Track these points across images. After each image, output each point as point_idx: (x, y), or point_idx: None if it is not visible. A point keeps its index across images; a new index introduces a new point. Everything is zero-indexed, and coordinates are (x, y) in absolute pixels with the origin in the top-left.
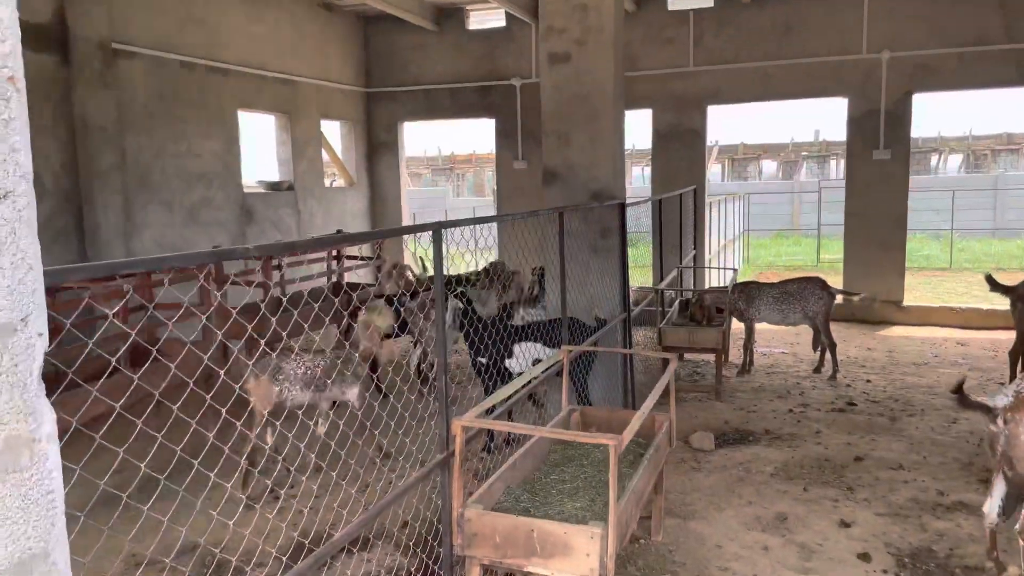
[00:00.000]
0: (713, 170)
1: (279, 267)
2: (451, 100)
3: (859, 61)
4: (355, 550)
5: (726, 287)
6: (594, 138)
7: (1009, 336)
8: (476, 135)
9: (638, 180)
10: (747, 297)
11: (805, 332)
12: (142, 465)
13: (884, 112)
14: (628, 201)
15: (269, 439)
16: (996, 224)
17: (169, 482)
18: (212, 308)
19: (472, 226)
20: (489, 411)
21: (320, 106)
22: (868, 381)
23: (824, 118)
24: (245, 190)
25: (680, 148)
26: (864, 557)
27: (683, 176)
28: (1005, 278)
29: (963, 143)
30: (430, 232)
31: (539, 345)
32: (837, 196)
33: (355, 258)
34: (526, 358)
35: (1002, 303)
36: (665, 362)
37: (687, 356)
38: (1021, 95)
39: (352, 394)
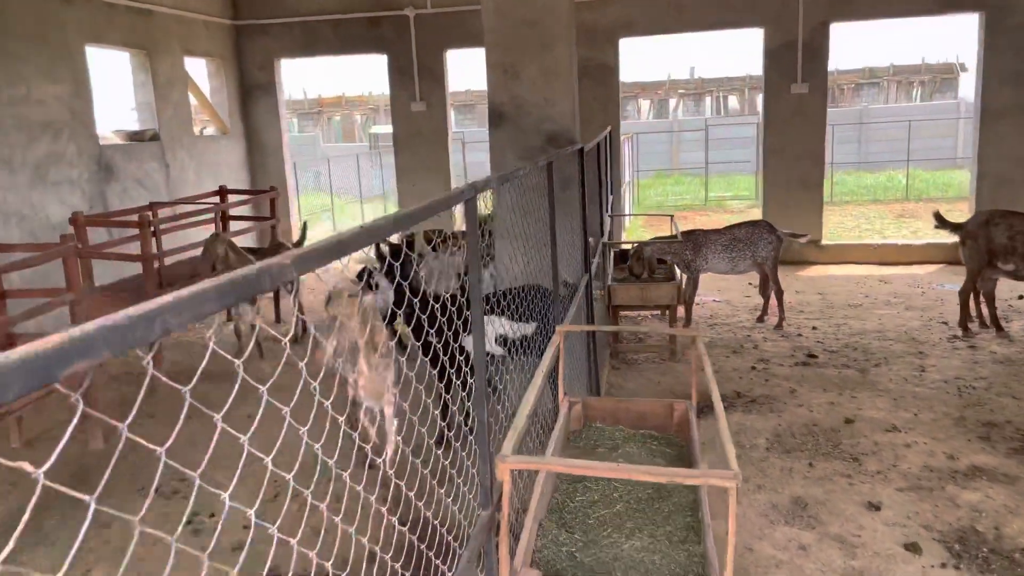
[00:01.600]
0: None
1: (155, 233)
2: (334, 34)
3: None
4: None
5: (674, 236)
6: (547, 71)
7: (926, 271)
8: (343, 75)
9: None
10: (694, 246)
11: (733, 279)
12: None
13: (801, 43)
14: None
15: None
16: (861, 157)
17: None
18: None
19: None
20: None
21: (182, 41)
22: (814, 328)
23: (699, 55)
24: (102, 142)
25: (592, 86)
26: (913, 548)
27: (597, 116)
28: (885, 210)
29: (829, 77)
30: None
31: (503, 319)
32: (721, 134)
33: (247, 219)
34: (489, 336)
35: (916, 237)
36: (614, 338)
37: (625, 313)
38: (884, 29)
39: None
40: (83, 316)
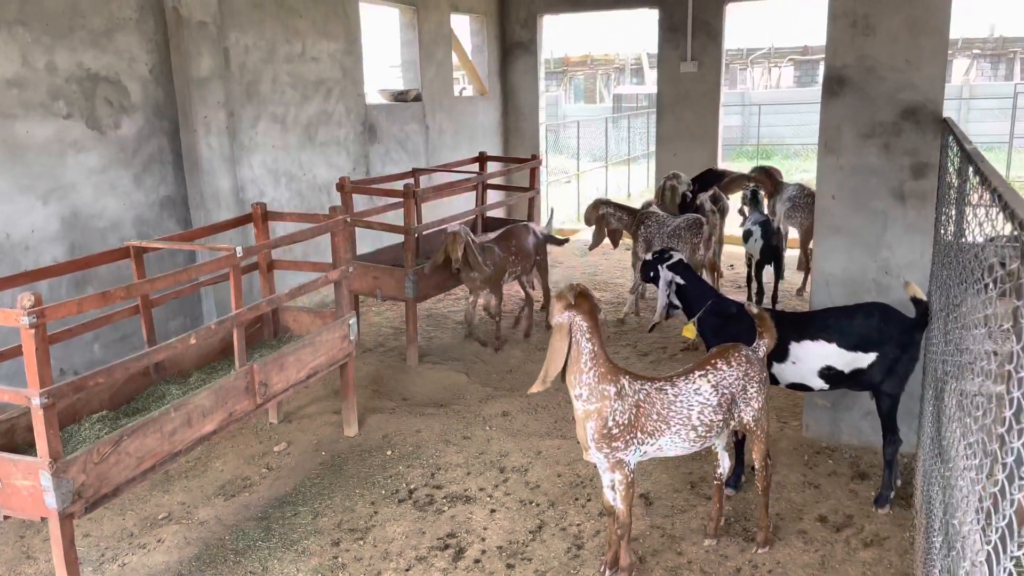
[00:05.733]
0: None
1: (416, 203)
2: None
3: None
4: None
5: None
6: (915, 24)
7: None
8: (588, 33)
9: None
10: None
11: None
12: None
13: None
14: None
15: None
16: None
17: None
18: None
19: None
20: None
21: None
22: None
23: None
24: (368, 101)
25: None
26: None
27: None
28: None
29: None
30: None
31: (832, 346)
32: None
33: (506, 188)
34: (810, 366)
35: None
36: None
37: None
38: None
39: None
40: (346, 292)
